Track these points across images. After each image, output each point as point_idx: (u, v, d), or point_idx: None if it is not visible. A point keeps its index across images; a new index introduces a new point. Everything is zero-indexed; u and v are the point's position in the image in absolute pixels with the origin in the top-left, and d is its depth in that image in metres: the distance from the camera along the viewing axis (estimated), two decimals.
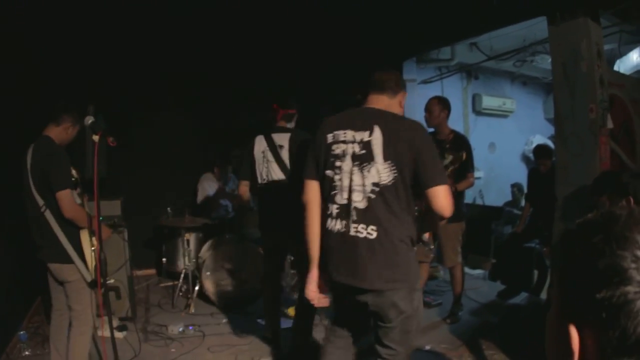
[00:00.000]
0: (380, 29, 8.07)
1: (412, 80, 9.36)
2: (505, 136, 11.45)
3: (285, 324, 5.60)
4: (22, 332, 5.13)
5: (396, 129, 3.09)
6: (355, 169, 3.13)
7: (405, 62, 9.26)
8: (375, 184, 3.07)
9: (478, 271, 8.33)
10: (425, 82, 9.79)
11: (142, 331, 5.75)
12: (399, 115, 3.33)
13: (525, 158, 11.88)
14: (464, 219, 6.03)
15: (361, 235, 3.10)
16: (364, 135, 3.12)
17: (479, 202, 10.85)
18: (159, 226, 7.46)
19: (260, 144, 5.03)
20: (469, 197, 10.76)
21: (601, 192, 4.41)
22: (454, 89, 10.49)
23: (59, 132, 4.18)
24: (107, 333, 3.89)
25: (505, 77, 11.46)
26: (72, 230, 4.05)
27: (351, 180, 3.14)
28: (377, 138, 3.08)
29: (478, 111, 10.95)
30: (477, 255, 8.49)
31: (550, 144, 9.58)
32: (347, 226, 3.15)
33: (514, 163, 11.74)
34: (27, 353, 5.04)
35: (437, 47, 9.06)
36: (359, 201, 3.11)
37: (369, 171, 3.09)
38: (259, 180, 5.02)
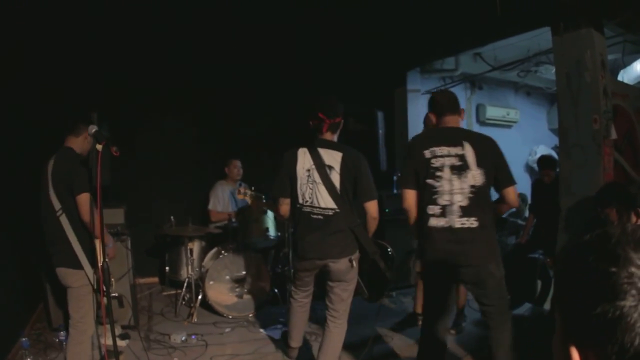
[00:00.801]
0: (384, 39, 8.10)
1: (415, 90, 9.37)
2: (509, 146, 11.20)
3: None
4: (24, 339, 5.12)
5: (481, 143, 4.10)
6: (454, 176, 4.02)
7: (409, 72, 9.27)
8: (472, 186, 4.00)
9: None
10: (429, 92, 9.75)
11: (145, 340, 5.73)
12: (476, 132, 4.48)
13: (529, 168, 11.86)
14: None
15: (465, 226, 4.00)
16: (458, 150, 4.04)
17: None
18: (162, 235, 7.45)
19: (304, 160, 4.52)
20: None
21: (605, 204, 4.41)
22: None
23: (80, 143, 4.35)
24: (109, 341, 3.89)
25: (509, 87, 11.45)
26: (86, 236, 4.13)
27: (451, 185, 4.02)
28: (469, 151, 4.02)
29: (482, 121, 10.92)
30: None
31: (554, 154, 9.58)
32: (452, 221, 4.03)
33: (517, 173, 11.47)
34: None
35: (441, 57, 9.06)
36: (460, 200, 4.01)
37: (466, 177, 4.00)
38: (299, 201, 4.53)
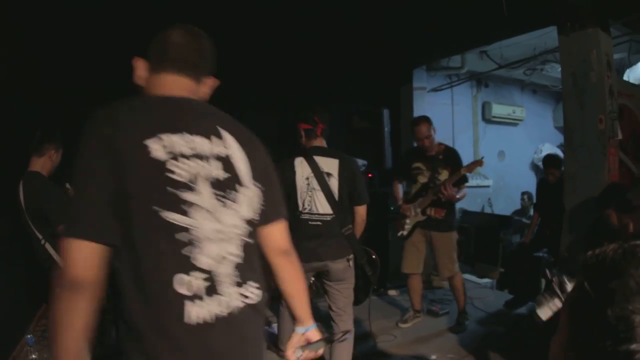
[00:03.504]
0: (390, 37, 8.09)
1: (422, 88, 9.37)
2: (514, 144, 11.42)
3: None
4: (29, 336, 5.13)
5: (245, 134, 2.27)
6: (219, 202, 2.25)
7: (415, 70, 9.27)
8: (249, 222, 2.22)
9: (486, 280, 8.31)
10: (435, 90, 9.79)
11: None
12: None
13: (534, 166, 11.85)
14: (455, 228, 6.31)
15: (245, 304, 2.16)
16: (218, 147, 2.01)
17: (487, 210, 10.83)
18: None
19: (303, 170, 4.48)
20: (478, 205, 10.75)
21: (607, 204, 4.41)
22: (463, 97, 10.49)
23: (44, 163, 4.18)
24: None
25: (515, 85, 11.43)
26: None
27: (218, 221, 2.14)
28: (235, 149, 2.13)
29: (488, 119, 10.92)
30: (485, 264, 8.48)
31: (560, 152, 9.57)
32: (228, 301, 2.18)
33: (523, 171, 11.70)
34: (33, 357, 5.03)
35: (447, 55, 9.05)
36: (235, 253, 2.14)
37: (238, 202, 2.31)
38: (299, 209, 4.48)
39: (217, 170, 1.90)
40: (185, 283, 1.77)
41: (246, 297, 1.95)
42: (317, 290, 6.16)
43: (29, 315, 5.96)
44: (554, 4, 5.80)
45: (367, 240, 5.15)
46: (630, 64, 7.81)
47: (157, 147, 1.76)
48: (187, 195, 1.80)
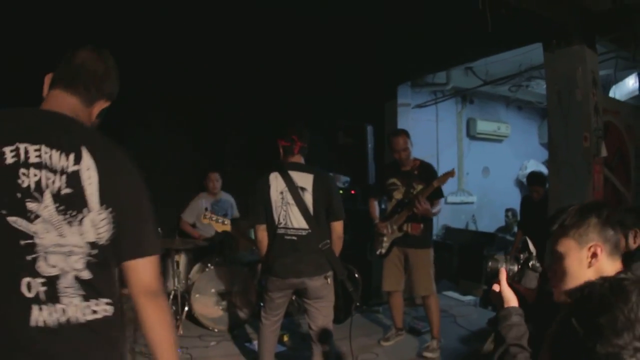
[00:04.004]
0: (375, 53, 8.06)
1: (406, 104, 9.35)
2: (499, 161, 11.43)
3: (277, 348, 5.54)
4: None
5: (113, 157, 2.12)
6: (61, 217, 2.11)
7: (400, 86, 9.25)
8: (93, 245, 2.08)
9: (469, 297, 8.26)
10: (419, 106, 9.78)
11: (130, 351, 5.65)
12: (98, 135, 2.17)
13: (519, 183, 11.85)
14: (432, 245, 6.16)
15: (90, 319, 2.09)
16: (68, 161, 1.96)
17: (471, 227, 10.81)
18: None
19: (277, 184, 4.52)
20: (462, 222, 10.72)
21: None
22: (448, 113, 10.50)
23: None
24: None
25: (500, 101, 11.44)
26: None
27: (60, 235, 2.03)
28: (92, 170, 1.98)
29: (472, 136, 10.92)
30: (469, 281, 8.44)
31: (545, 169, 9.57)
32: (69, 312, 2.05)
33: (507, 188, 11.70)
34: None
35: (432, 71, 9.05)
36: (79, 268, 2.09)
37: (81, 223, 2.09)
38: (275, 223, 4.52)
39: (64, 187, 1.91)
40: (31, 288, 1.85)
41: (94, 311, 1.96)
42: (299, 307, 6.12)
43: None
44: (539, 20, 5.78)
45: (349, 257, 5.07)
46: (617, 81, 7.82)
47: (11, 155, 1.85)
48: (32, 205, 1.87)
